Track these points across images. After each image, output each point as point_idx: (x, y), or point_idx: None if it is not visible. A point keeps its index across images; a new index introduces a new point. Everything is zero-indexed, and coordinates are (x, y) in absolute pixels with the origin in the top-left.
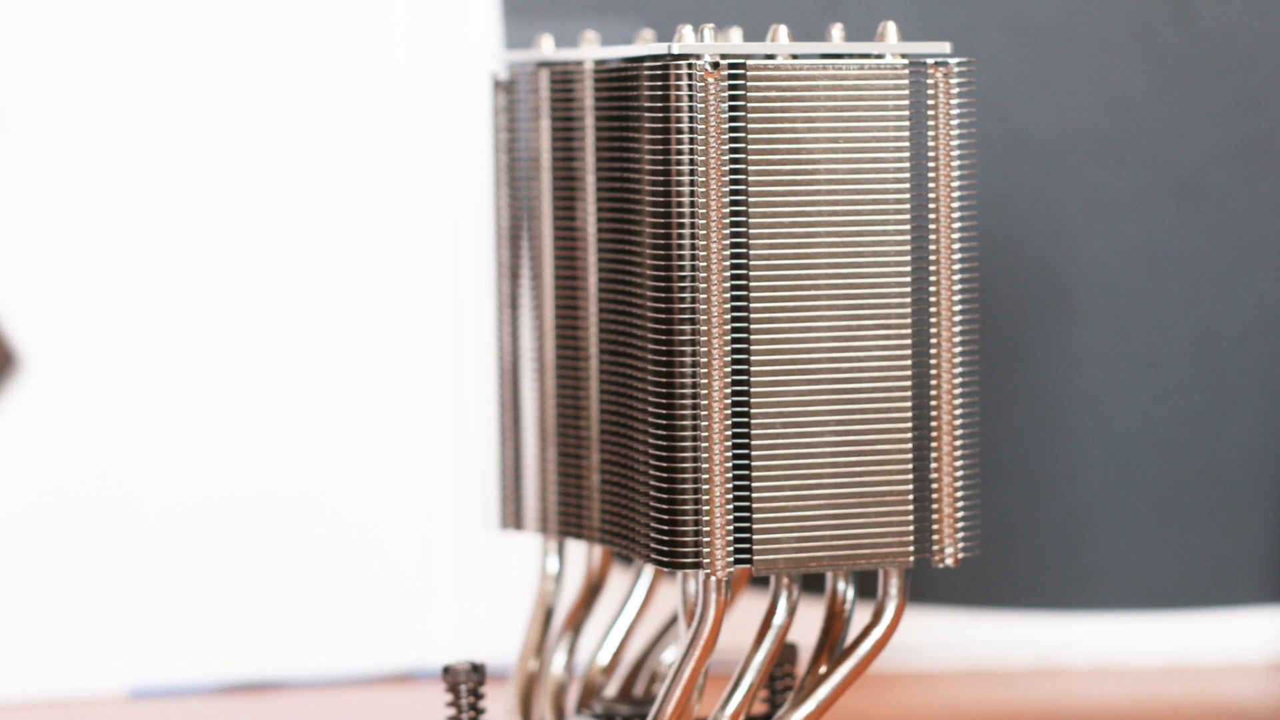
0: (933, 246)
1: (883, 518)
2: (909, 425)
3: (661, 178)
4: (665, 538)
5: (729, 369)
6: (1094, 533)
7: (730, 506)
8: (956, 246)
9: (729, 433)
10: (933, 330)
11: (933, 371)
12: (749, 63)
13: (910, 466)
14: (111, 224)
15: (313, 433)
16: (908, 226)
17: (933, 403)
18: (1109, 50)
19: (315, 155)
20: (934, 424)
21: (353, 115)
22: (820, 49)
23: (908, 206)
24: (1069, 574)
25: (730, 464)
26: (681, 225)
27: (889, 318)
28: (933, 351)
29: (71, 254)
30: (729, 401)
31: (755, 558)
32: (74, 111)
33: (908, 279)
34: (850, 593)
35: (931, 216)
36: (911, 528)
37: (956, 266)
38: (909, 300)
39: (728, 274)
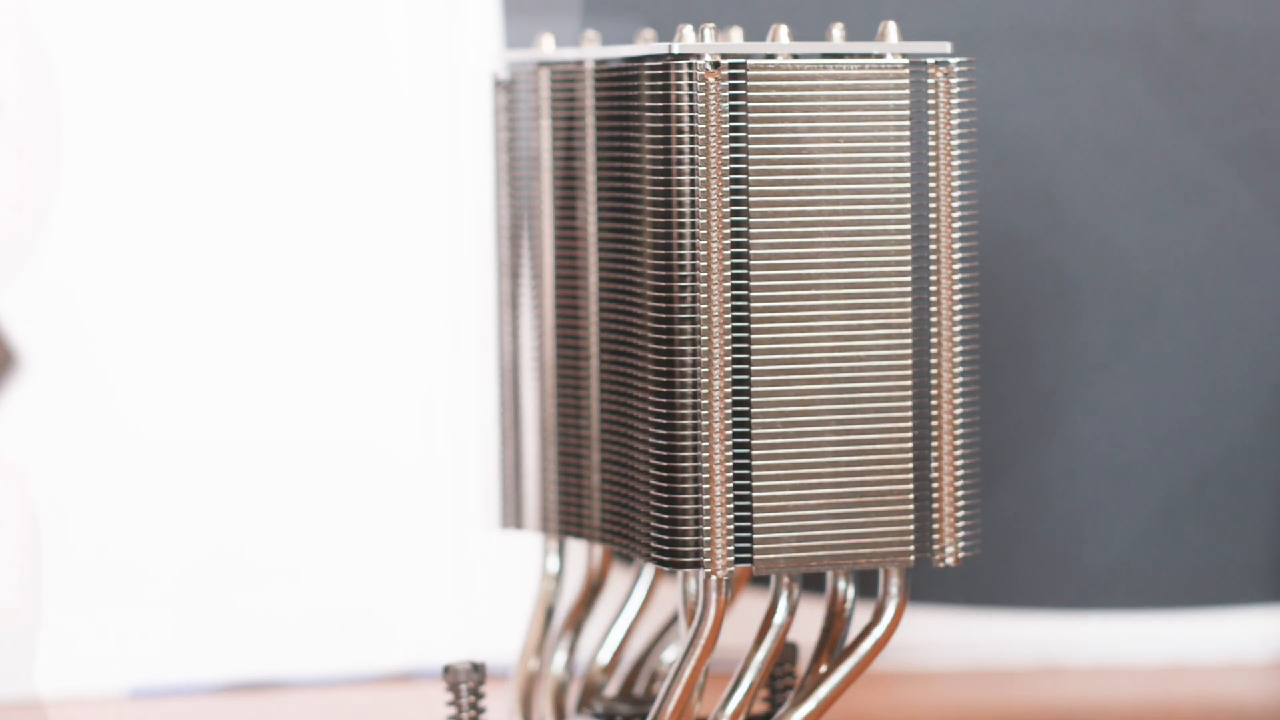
0: (933, 246)
1: (883, 517)
2: (909, 425)
3: (662, 178)
4: (666, 537)
5: (729, 368)
6: (1094, 533)
7: (730, 506)
8: (957, 246)
9: (729, 432)
10: (933, 330)
11: (933, 371)
12: (749, 62)
13: (910, 466)
14: (112, 225)
15: (312, 432)
16: (908, 226)
17: (933, 403)
18: (1109, 50)
19: (316, 156)
20: (934, 424)
21: (353, 115)
22: (821, 49)
23: (908, 206)
24: (1069, 574)
25: (730, 463)
26: (682, 225)
27: (889, 318)
28: (933, 351)
29: (71, 254)
30: (729, 401)
31: (756, 557)
32: (75, 113)
33: (908, 279)
34: (851, 592)
35: (932, 216)
36: (912, 527)
37: (957, 266)
38: (909, 300)
39: (728, 274)
